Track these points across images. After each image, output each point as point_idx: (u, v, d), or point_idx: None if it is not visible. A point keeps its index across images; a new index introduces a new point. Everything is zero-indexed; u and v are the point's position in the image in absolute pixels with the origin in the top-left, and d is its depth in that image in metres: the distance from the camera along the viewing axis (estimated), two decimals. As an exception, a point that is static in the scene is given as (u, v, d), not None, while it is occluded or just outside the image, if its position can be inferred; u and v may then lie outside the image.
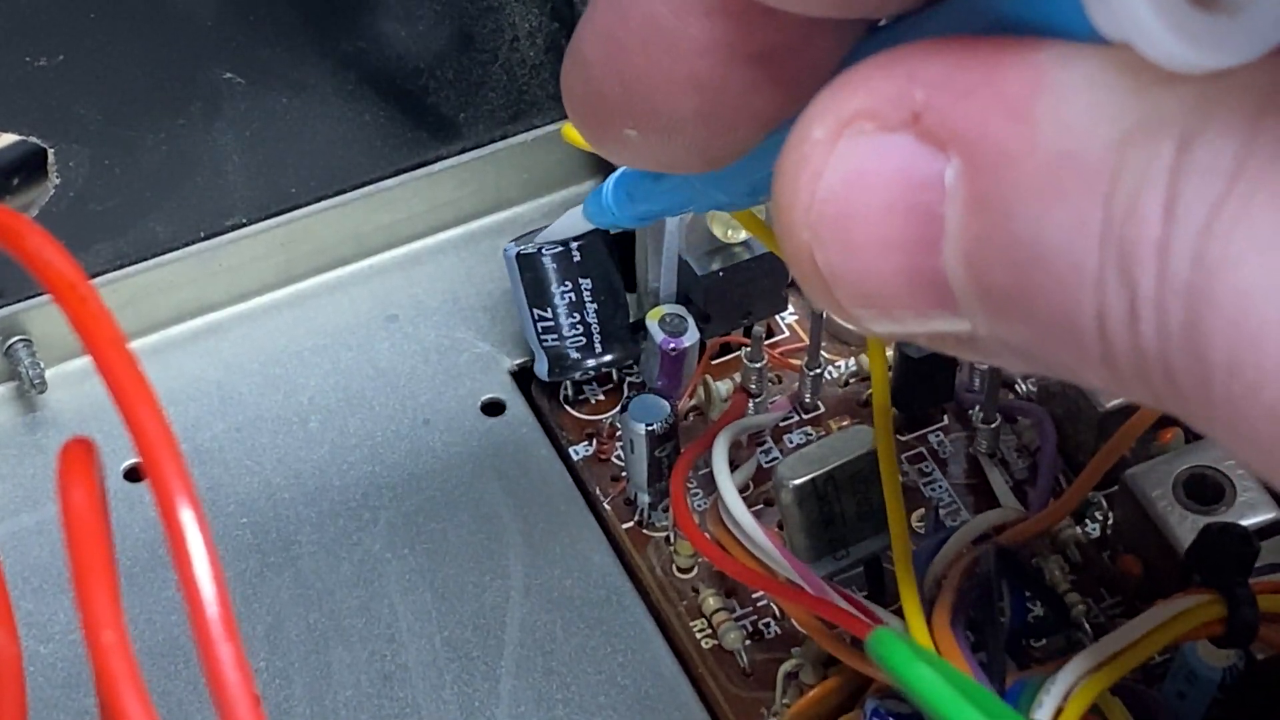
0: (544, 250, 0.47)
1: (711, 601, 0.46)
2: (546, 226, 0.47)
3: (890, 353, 0.49)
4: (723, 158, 0.28)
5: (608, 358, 0.48)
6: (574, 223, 0.44)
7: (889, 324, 0.25)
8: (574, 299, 0.47)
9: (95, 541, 0.24)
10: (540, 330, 0.48)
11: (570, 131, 0.47)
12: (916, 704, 0.29)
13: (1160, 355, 0.22)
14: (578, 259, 0.47)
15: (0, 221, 0.25)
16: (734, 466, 0.45)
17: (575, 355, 0.48)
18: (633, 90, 0.27)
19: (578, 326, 0.47)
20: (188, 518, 0.24)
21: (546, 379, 0.49)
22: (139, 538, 0.46)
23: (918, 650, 0.29)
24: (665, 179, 0.35)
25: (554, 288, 0.47)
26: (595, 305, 0.47)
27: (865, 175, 0.24)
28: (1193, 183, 0.21)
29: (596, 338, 0.48)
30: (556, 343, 0.48)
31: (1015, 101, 0.23)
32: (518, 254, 0.47)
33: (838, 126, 0.24)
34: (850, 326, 0.49)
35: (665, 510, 0.47)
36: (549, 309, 0.47)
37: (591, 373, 0.48)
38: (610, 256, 0.48)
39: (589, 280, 0.47)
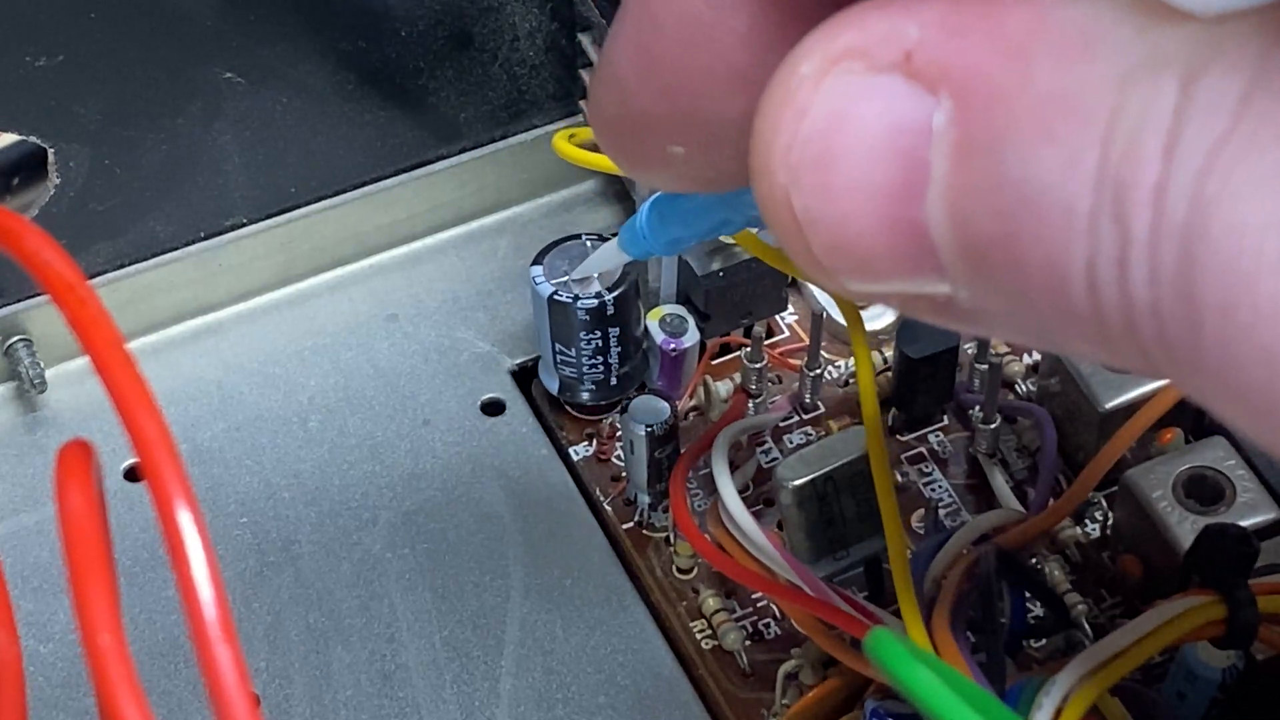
0: (579, 301, 0.46)
1: (711, 602, 0.46)
2: (561, 243, 0.47)
3: (890, 353, 0.49)
4: None
5: (619, 393, 0.48)
6: (607, 256, 0.44)
7: (864, 282, 0.24)
8: (600, 345, 0.47)
9: (92, 544, 0.24)
10: (559, 361, 0.47)
11: (561, 143, 0.47)
12: (914, 705, 0.29)
13: (1150, 304, 0.21)
14: (611, 311, 0.46)
15: None
16: (734, 467, 0.45)
17: (591, 387, 0.48)
18: (674, 100, 0.26)
19: (598, 368, 0.47)
20: (185, 520, 0.24)
21: (554, 394, 0.49)
22: (139, 538, 0.46)
23: (915, 650, 0.29)
24: (698, 197, 0.34)
25: (582, 333, 0.47)
26: (619, 350, 0.47)
27: (850, 117, 0.23)
28: (1195, 123, 0.20)
29: (614, 377, 0.48)
30: (573, 375, 0.48)
31: (1012, 39, 0.22)
32: (550, 297, 0.46)
33: (825, 64, 0.23)
34: (819, 291, 0.49)
35: (665, 511, 0.47)
36: (572, 349, 0.47)
37: (602, 402, 0.49)
38: (639, 305, 0.48)
39: (617, 329, 0.47)
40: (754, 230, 0.47)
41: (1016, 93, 0.22)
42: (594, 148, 0.51)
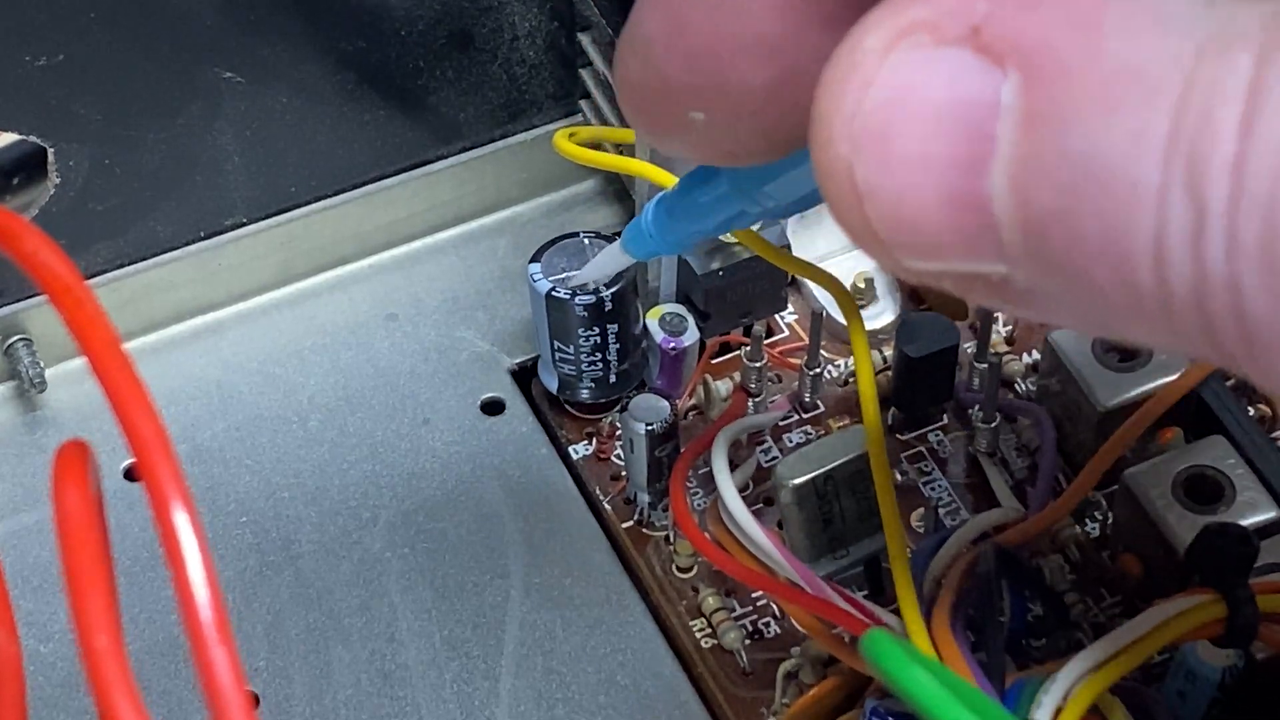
0: (577, 297, 0.46)
1: (711, 601, 0.46)
2: (559, 240, 0.47)
3: (890, 353, 0.49)
4: (791, 141, 0.27)
5: (619, 391, 0.48)
6: (610, 259, 0.44)
7: (922, 259, 0.24)
8: (598, 341, 0.47)
9: (89, 545, 0.24)
10: (558, 358, 0.47)
11: (562, 141, 0.47)
12: (910, 706, 0.29)
13: (1228, 279, 0.21)
14: (609, 308, 0.46)
15: None
16: (734, 466, 0.45)
17: (590, 384, 0.48)
18: (699, 65, 0.26)
19: (597, 365, 0.47)
20: (181, 521, 0.24)
21: (554, 393, 0.49)
22: (138, 537, 0.46)
23: (910, 652, 0.29)
24: (712, 189, 0.34)
25: (580, 330, 0.47)
26: (618, 347, 0.47)
27: (916, 89, 0.23)
28: (1273, 97, 0.20)
29: (613, 374, 0.48)
30: (572, 373, 0.48)
31: (1082, 12, 0.22)
32: (549, 294, 0.46)
33: (893, 37, 0.23)
34: (819, 290, 0.49)
35: (665, 510, 0.47)
36: (571, 346, 0.47)
37: (602, 400, 0.49)
38: (638, 303, 0.47)
39: (615, 325, 0.47)
40: (755, 227, 0.47)
41: (1085, 66, 0.21)
42: (596, 146, 0.51)
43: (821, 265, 0.50)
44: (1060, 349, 0.46)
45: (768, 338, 0.50)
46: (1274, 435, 0.47)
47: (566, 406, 0.49)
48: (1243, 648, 0.40)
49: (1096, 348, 0.46)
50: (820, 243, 0.50)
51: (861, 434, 0.43)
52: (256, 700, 0.45)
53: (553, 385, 0.48)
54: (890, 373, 0.49)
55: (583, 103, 0.52)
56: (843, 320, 0.50)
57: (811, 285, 0.50)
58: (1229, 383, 0.48)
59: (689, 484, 0.47)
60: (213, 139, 0.49)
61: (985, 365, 0.48)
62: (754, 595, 0.46)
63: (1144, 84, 0.21)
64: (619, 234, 0.48)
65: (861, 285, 0.50)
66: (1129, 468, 0.45)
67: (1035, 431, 0.47)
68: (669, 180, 0.46)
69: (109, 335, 0.24)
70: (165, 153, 0.49)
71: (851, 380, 0.50)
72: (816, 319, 0.48)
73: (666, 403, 0.46)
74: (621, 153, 0.51)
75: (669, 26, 0.26)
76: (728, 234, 0.47)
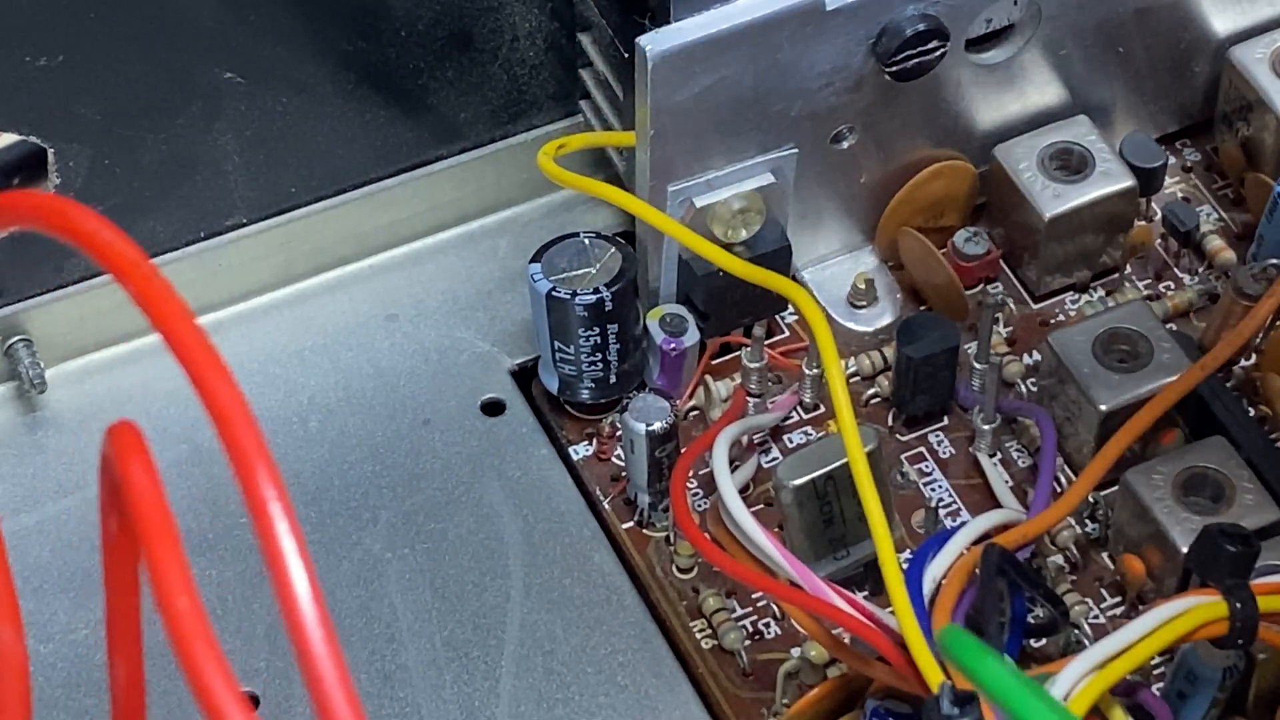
0: (577, 297, 0.46)
1: (711, 602, 0.46)
2: (560, 240, 0.47)
3: (890, 353, 0.49)
4: None
5: (619, 392, 0.48)
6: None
7: None
8: (599, 342, 0.47)
9: (163, 512, 0.24)
10: (558, 359, 0.47)
11: (544, 160, 0.47)
12: (986, 697, 0.29)
13: None
14: (609, 308, 0.46)
15: (52, 207, 0.25)
16: (734, 467, 0.45)
17: (590, 385, 0.48)
18: None
19: (597, 365, 0.47)
20: (266, 485, 0.24)
21: (554, 393, 0.49)
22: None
23: (986, 646, 0.30)
24: None
25: (580, 330, 0.46)
26: (618, 347, 0.47)
27: None
28: None
29: (613, 375, 0.48)
30: (573, 373, 0.48)
31: None
32: (549, 294, 0.46)
33: None
34: (818, 290, 0.49)
35: (665, 510, 0.47)
36: (571, 347, 0.47)
37: (602, 400, 0.48)
38: (638, 303, 0.48)
39: (615, 325, 0.47)
40: (755, 228, 0.47)
41: None
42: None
43: (822, 267, 0.51)
44: (1061, 350, 0.46)
45: (768, 338, 0.50)
46: (1274, 436, 0.47)
47: (567, 407, 0.49)
48: (1243, 649, 0.40)
49: (1097, 349, 0.46)
50: (820, 245, 0.50)
51: (864, 434, 0.43)
52: (256, 701, 0.45)
53: (553, 386, 0.48)
54: (890, 373, 0.49)
55: (583, 103, 0.52)
56: (843, 321, 0.50)
57: (812, 285, 0.50)
58: (1229, 384, 0.48)
59: (689, 485, 0.47)
60: (213, 139, 0.49)
61: (986, 366, 0.48)
62: (754, 596, 0.46)
63: None
64: (619, 234, 0.48)
65: (862, 286, 0.50)
66: (1129, 469, 0.45)
67: (1036, 432, 0.47)
68: (638, 205, 0.46)
69: (179, 307, 0.25)
70: (165, 153, 0.49)
71: (853, 381, 0.50)
72: (817, 319, 0.48)
73: (667, 403, 0.46)
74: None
75: None
76: (728, 236, 0.47)
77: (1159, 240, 0.51)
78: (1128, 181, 0.49)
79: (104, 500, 0.28)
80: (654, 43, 0.44)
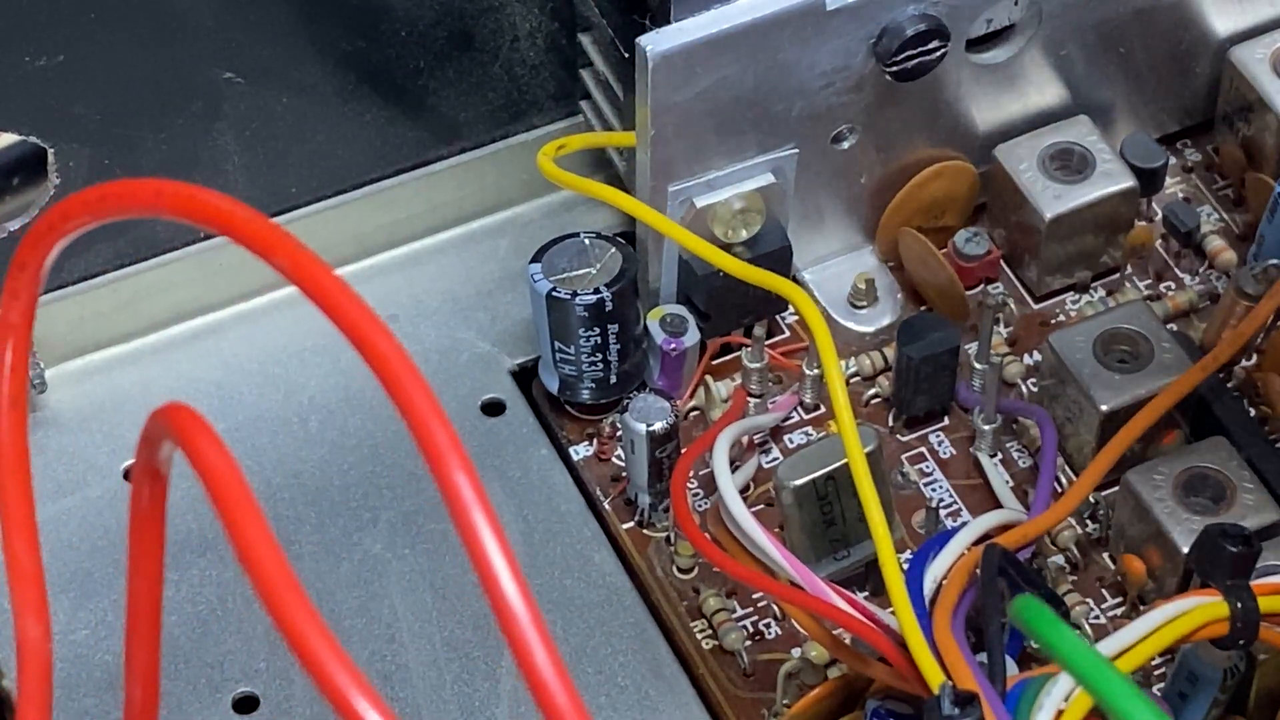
0: (577, 297, 0.46)
1: (712, 602, 0.46)
2: (560, 241, 0.47)
3: (890, 353, 0.49)
4: None
5: (619, 392, 0.48)
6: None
7: None
8: (599, 342, 0.47)
9: (245, 491, 0.25)
10: (558, 359, 0.47)
11: (544, 161, 0.47)
12: (1062, 666, 0.30)
13: None
14: (610, 308, 0.46)
15: (186, 194, 0.25)
16: (734, 467, 0.45)
17: (591, 385, 0.48)
18: None
19: (597, 365, 0.47)
20: (444, 436, 0.24)
21: (554, 393, 0.49)
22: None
23: (1059, 618, 0.31)
24: None
25: (581, 330, 0.46)
26: (618, 347, 0.47)
27: None
28: None
29: (613, 375, 0.48)
30: (573, 374, 0.48)
31: None
32: (549, 294, 0.46)
33: None
34: (819, 290, 0.49)
35: (666, 510, 0.47)
36: (571, 347, 0.47)
37: (603, 401, 0.48)
38: (638, 303, 0.47)
39: (616, 325, 0.47)
40: (753, 229, 0.47)
41: None
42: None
43: (822, 267, 0.51)
44: (1061, 350, 0.46)
45: (769, 338, 0.50)
46: (1275, 436, 0.47)
47: (567, 407, 0.49)
48: (1244, 649, 0.40)
49: (1098, 349, 0.46)
50: (820, 245, 0.50)
51: (862, 435, 0.43)
52: (256, 701, 0.45)
53: (553, 386, 0.48)
54: (890, 373, 0.49)
55: (583, 103, 0.52)
56: (844, 321, 0.50)
57: (812, 285, 0.50)
58: (1230, 384, 0.48)
59: (690, 485, 0.47)
60: (213, 139, 0.49)
61: (986, 366, 0.48)
62: (755, 596, 0.46)
63: None
64: (620, 234, 0.48)
65: (862, 286, 0.50)
66: (1130, 469, 0.45)
67: (1036, 432, 0.47)
68: (637, 207, 0.46)
69: (322, 266, 0.25)
70: (165, 153, 0.49)
71: (853, 380, 0.50)
72: (817, 319, 0.48)
73: (667, 403, 0.46)
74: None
75: None
76: (728, 235, 0.47)
77: (1159, 241, 0.51)
78: (1128, 182, 0.49)
79: (138, 473, 0.28)
80: (654, 43, 0.44)
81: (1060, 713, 0.37)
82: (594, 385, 0.48)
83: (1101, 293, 0.51)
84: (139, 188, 0.26)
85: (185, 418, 0.25)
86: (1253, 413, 0.48)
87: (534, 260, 0.47)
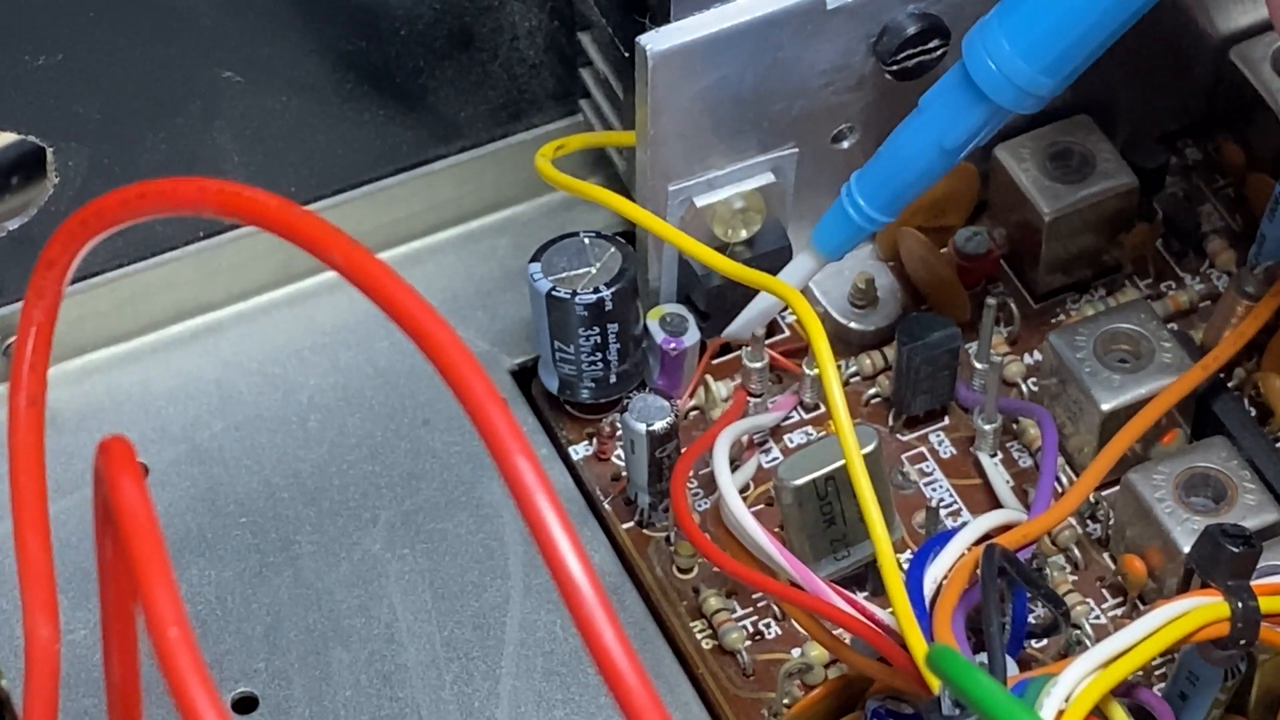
0: (577, 297, 0.46)
1: (712, 602, 0.46)
2: (560, 240, 0.47)
3: (890, 353, 0.49)
4: None
5: (619, 391, 0.48)
6: (800, 269, 0.46)
7: None
8: (599, 341, 0.47)
9: (154, 537, 0.24)
10: (558, 359, 0.47)
11: (542, 164, 0.47)
12: (979, 714, 0.30)
13: None
14: (609, 307, 0.46)
15: (232, 191, 0.25)
16: (734, 467, 0.45)
17: (590, 385, 0.48)
18: None
19: (597, 365, 0.47)
20: (499, 416, 0.24)
21: (554, 393, 0.49)
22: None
23: (974, 665, 0.31)
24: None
25: (580, 329, 0.46)
26: (618, 347, 0.47)
27: None
28: None
29: (613, 375, 0.48)
30: (573, 373, 0.48)
31: None
32: (549, 294, 0.46)
33: None
34: (819, 290, 0.49)
35: (666, 510, 0.47)
36: (571, 346, 0.47)
37: (602, 400, 0.48)
38: (638, 303, 0.47)
39: (615, 325, 0.47)
40: (753, 231, 0.47)
41: None
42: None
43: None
44: (1061, 350, 0.46)
45: (768, 338, 0.50)
46: (1275, 436, 0.47)
47: (567, 407, 0.49)
48: (1244, 649, 0.40)
49: (1098, 349, 0.46)
50: (821, 243, 0.50)
51: (862, 434, 0.43)
52: (255, 701, 0.45)
53: (553, 385, 0.48)
54: (890, 373, 0.49)
55: (583, 102, 0.52)
56: (843, 321, 0.50)
57: (812, 285, 0.50)
58: (1231, 384, 0.48)
59: (690, 485, 0.47)
60: (213, 139, 0.49)
61: (986, 366, 0.48)
62: (755, 596, 0.46)
63: None
64: (619, 234, 0.48)
65: (862, 286, 0.50)
66: (1131, 469, 0.45)
67: (1036, 432, 0.47)
68: (634, 210, 0.46)
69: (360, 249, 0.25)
70: (165, 153, 0.49)
71: (852, 380, 0.50)
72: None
73: (667, 403, 0.46)
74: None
75: None
76: (728, 235, 0.47)
77: (1160, 240, 0.51)
78: (1129, 181, 0.49)
79: (99, 517, 0.28)
80: (654, 42, 0.44)
81: (1060, 713, 0.37)
82: (594, 385, 0.48)
83: (1102, 292, 0.51)
84: (181, 185, 0.26)
85: (115, 452, 0.25)
86: (1253, 413, 0.48)
87: (533, 259, 0.47)
